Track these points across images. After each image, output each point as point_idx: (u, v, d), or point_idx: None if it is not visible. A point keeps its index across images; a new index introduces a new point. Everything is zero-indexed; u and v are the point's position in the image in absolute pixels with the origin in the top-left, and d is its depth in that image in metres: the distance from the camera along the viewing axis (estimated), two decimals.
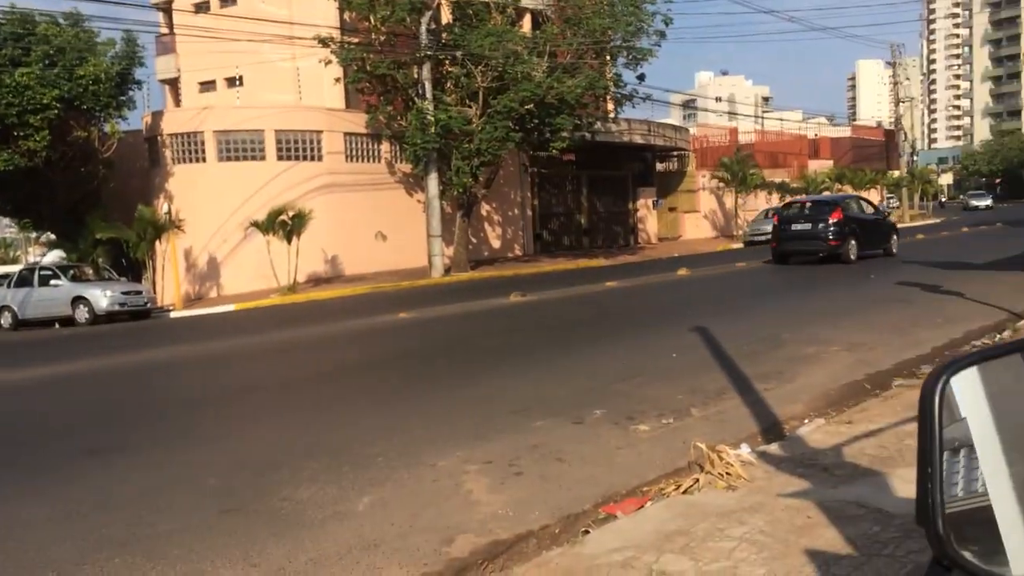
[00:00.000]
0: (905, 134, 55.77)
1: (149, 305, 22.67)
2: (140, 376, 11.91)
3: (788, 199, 31.61)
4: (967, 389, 0.93)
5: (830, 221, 20.97)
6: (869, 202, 26.02)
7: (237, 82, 30.78)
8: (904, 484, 4.53)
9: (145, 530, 4.92)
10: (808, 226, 21.41)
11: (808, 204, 23.04)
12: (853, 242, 21.02)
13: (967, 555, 0.89)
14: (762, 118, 69.93)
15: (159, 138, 27.94)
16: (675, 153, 43.72)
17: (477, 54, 25.44)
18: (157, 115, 28.84)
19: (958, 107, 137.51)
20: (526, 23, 31.23)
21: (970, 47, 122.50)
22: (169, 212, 24.60)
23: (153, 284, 25.31)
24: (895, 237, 23.23)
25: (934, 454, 0.89)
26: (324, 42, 26.33)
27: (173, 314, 23.20)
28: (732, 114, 72.42)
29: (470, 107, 26.75)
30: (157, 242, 25.22)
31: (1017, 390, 0.96)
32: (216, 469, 6.16)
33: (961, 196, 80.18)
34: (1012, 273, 15.84)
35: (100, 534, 4.89)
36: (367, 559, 4.29)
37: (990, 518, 0.92)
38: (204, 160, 27.53)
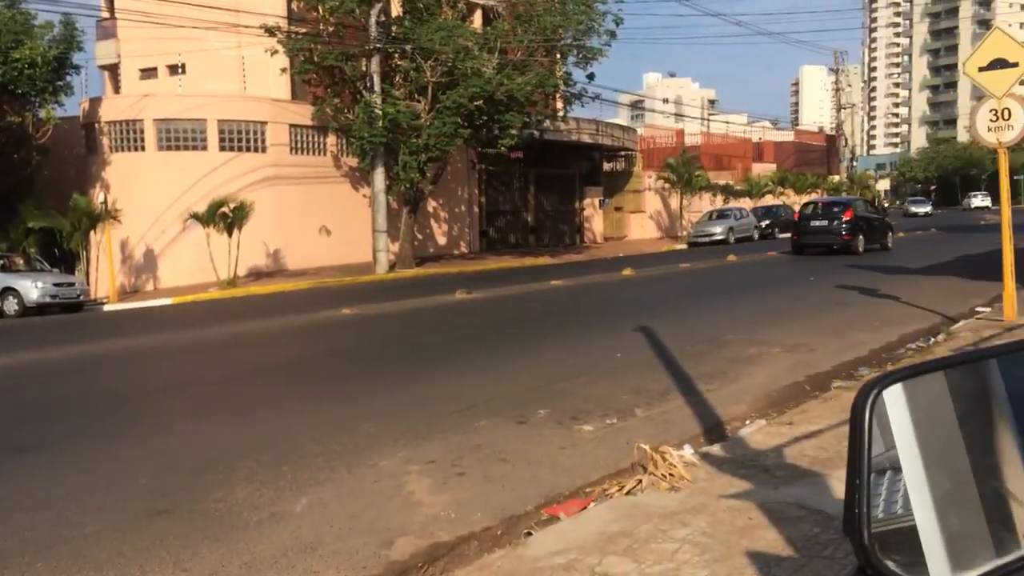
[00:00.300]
0: (846, 140, 57.00)
1: (82, 297, 22.01)
2: (71, 371, 11.54)
3: (793, 202, 32.55)
4: (894, 405, 0.94)
5: (843, 219, 24.25)
6: (871, 204, 30.07)
7: (179, 70, 30.03)
8: (843, 486, 4.57)
9: (72, 532, 4.74)
10: (825, 222, 24.63)
11: (824, 204, 26.67)
12: (861, 237, 24.23)
13: (890, 565, 0.90)
14: (708, 120, 70.87)
15: (97, 125, 27.18)
16: (622, 153, 44.01)
17: (427, 48, 25.25)
18: (95, 101, 28.05)
19: (897, 115, 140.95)
20: (477, 19, 31.12)
21: (910, 56, 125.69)
22: (105, 202, 23.91)
23: (87, 276, 24.61)
24: (891, 234, 26.25)
25: (863, 467, 0.90)
26: (271, 31, 25.88)
27: (107, 307, 22.57)
28: (679, 116, 73.27)
29: (419, 102, 26.54)
30: (92, 232, 24.52)
31: (939, 407, 0.98)
32: (148, 468, 5.97)
33: (898, 202, 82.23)
34: (946, 278, 16.26)
35: (23, 536, 4.70)
36: (304, 562, 4.19)
37: (915, 531, 0.94)
38: (143, 149, 26.85)
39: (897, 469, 0.94)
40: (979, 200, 69.54)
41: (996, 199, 64.48)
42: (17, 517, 5.02)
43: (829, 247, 24.19)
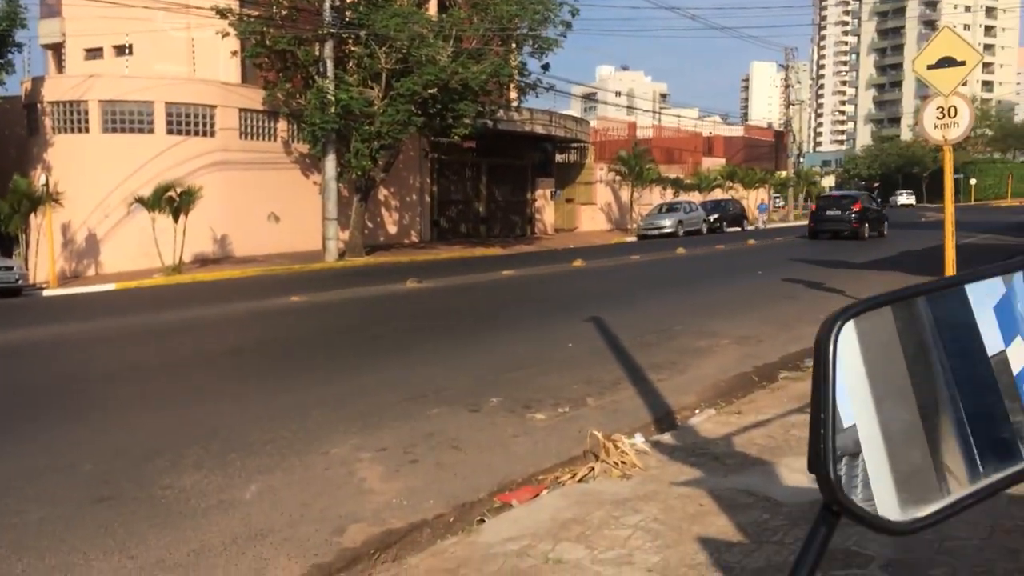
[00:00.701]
0: (794, 136, 57.84)
1: (20, 282, 21.39)
2: (9, 356, 11.23)
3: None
4: (845, 339, 0.96)
5: (853, 209, 28.66)
6: (874, 198, 35.42)
7: (126, 51, 29.29)
8: (791, 473, 4.66)
9: (11, 519, 4.62)
10: (838, 212, 29.14)
11: (837, 197, 32.33)
12: (866, 224, 28.38)
13: (855, 499, 0.92)
14: (659, 114, 71.34)
15: (39, 105, 26.40)
16: (574, 145, 44.12)
17: (382, 34, 24.99)
18: (38, 81, 27.23)
19: (843, 112, 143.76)
20: (432, 6, 30.85)
21: (857, 55, 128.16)
22: (47, 184, 23.27)
23: (25, 260, 23.93)
24: (886, 223, 30.55)
25: (828, 401, 0.92)
26: (222, 13, 25.37)
27: (47, 292, 22.01)
28: (631, 108, 73.71)
29: (372, 88, 26.28)
30: (32, 216, 23.87)
31: (888, 341, 1.01)
32: (92, 455, 5.84)
33: None
34: (888, 272, 16.62)
35: None
36: (254, 549, 4.14)
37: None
38: (87, 131, 26.18)
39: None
40: (904, 198, 72.72)
41: (921, 198, 66.62)
42: None
43: (840, 233, 28.16)
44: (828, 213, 29.49)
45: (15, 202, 23.16)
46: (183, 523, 4.49)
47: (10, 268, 21.44)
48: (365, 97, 25.70)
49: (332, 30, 25.58)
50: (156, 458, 5.66)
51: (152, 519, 4.55)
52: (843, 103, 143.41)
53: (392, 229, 33.54)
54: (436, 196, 35.67)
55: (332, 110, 25.03)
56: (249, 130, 28.22)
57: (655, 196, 44.91)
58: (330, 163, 26.14)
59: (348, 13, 26.48)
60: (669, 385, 7.49)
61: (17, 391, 8.57)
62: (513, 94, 31.82)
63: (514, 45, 29.23)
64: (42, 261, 23.86)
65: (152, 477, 5.26)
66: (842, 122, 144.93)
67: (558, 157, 43.60)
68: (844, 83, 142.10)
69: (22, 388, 8.73)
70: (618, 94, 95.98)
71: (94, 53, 30.49)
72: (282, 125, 28.76)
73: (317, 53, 26.13)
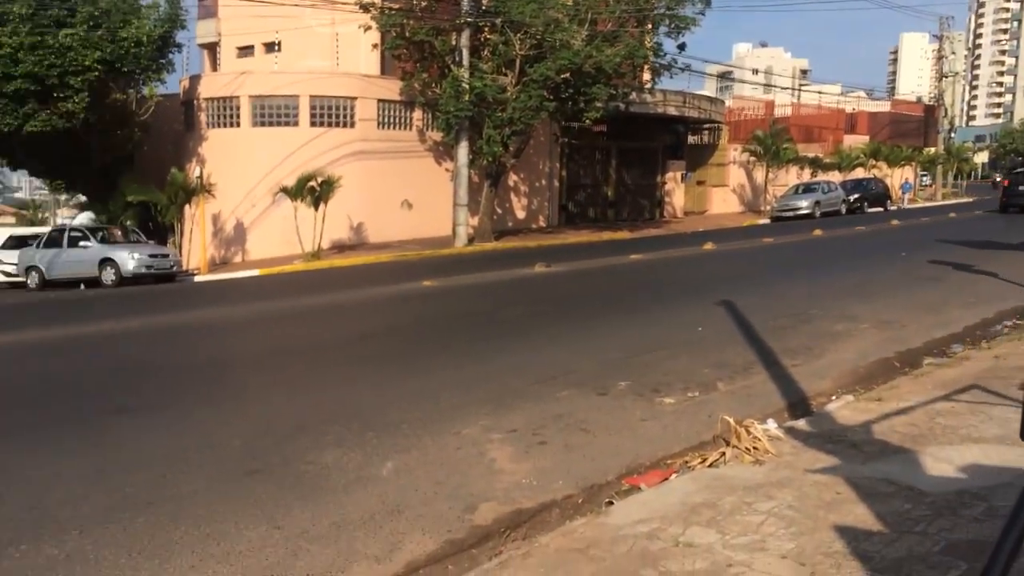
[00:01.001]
0: (945, 110, 54.52)
1: (175, 268, 22.84)
2: (166, 338, 12.01)
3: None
4: None
5: None
6: None
7: (276, 47, 30.67)
8: (936, 462, 4.45)
9: (169, 490, 4.96)
10: None
11: None
12: None
13: None
14: (799, 91, 68.69)
15: (195, 102, 27.99)
16: (708, 126, 43.09)
17: (517, 21, 25.07)
18: (195, 79, 28.87)
19: (1001, 84, 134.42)
20: None
21: (1020, 21, 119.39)
22: (201, 176, 24.70)
23: (179, 248, 25.50)
24: None
25: None
26: (365, 7, 26.10)
27: (198, 278, 23.36)
28: (768, 86, 71.33)
29: (506, 75, 26.40)
30: (187, 206, 25.38)
31: None
32: (241, 431, 6.20)
33: (998, 176, 78.64)
34: None
35: (125, 493, 4.93)
36: (390, 524, 4.30)
37: None
38: (238, 125, 27.56)
39: None
40: None
41: None
42: (118, 476, 5.27)
43: None
44: (1021, 188, 30.65)
45: (172, 194, 24.69)
46: (325, 497, 4.71)
47: (166, 255, 22.92)
48: (498, 84, 25.89)
49: (469, 19, 25.86)
50: (299, 436, 5.96)
51: (296, 492, 4.80)
52: (1001, 74, 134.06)
53: (520, 214, 33.77)
54: (565, 180, 35.62)
55: (466, 98, 25.35)
56: (386, 120, 28.99)
57: (791, 177, 43.33)
58: (462, 150, 26.54)
59: (485, 1, 26.68)
60: (804, 370, 7.27)
61: (171, 371, 9.16)
62: (647, 76, 31.25)
63: (649, 26, 28.71)
64: (194, 248, 25.35)
65: (296, 453, 5.53)
66: (999, 94, 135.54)
67: (690, 138, 42.69)
68: (1003, 52, 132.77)
69: (175, 368, 9.33)
70: (755, 72, 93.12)
71: (246, 51, 32.04)
72: (417, 114, 29.39)
73: (453, 42, 26.50)
